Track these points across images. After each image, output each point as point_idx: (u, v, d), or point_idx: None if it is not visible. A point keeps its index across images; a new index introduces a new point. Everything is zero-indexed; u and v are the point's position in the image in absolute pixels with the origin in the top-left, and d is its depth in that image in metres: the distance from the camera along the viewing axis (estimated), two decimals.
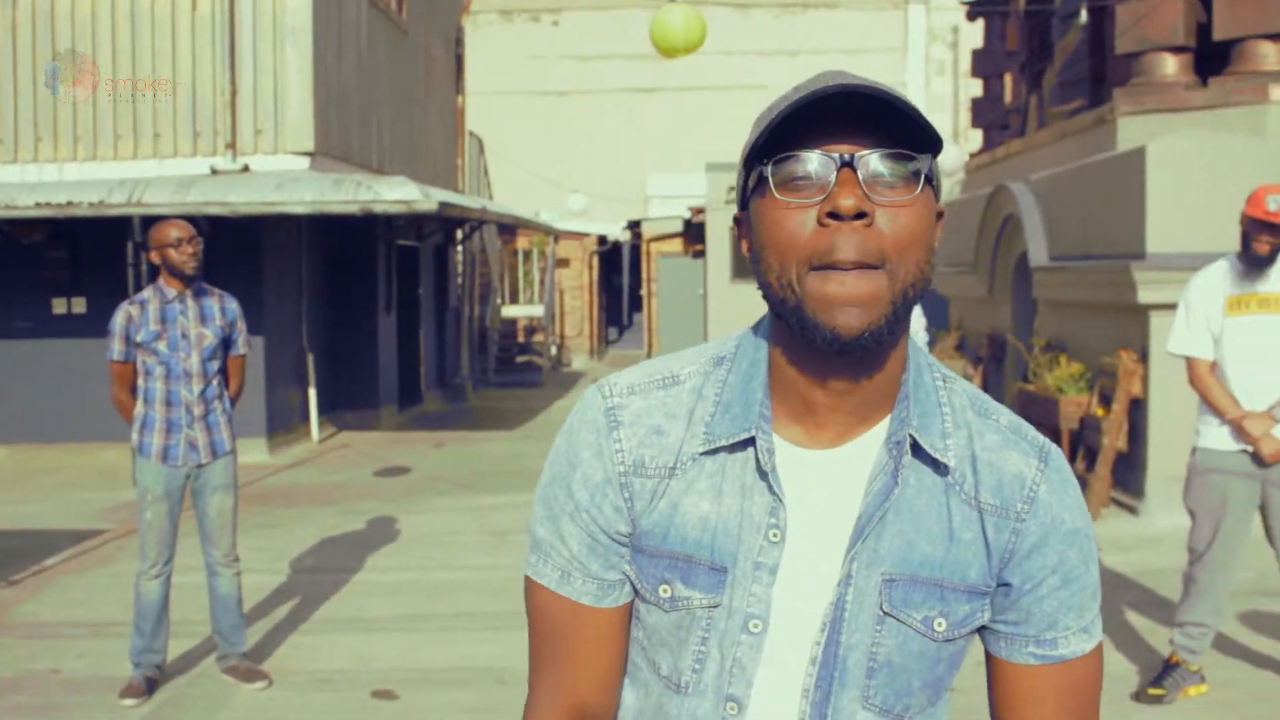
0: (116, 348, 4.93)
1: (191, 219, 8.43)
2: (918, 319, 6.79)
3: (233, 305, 5.12)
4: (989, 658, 1.34)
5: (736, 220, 1.31)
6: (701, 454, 1.28)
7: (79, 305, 11.51)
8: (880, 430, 1.28)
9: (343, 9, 12.07)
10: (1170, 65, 9.24)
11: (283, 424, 11.98)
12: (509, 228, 21.03)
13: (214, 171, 10.84)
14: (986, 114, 15.56)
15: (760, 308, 1.29)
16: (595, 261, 25.36)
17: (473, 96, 21.74)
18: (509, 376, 20.98)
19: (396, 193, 10.23)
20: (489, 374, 20.34)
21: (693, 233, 22.05)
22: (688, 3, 7.48)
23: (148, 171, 10.85)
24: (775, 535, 1.25)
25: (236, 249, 10.87)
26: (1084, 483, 8.13)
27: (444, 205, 10.72)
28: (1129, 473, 8.35)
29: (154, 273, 5.21)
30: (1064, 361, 9.15)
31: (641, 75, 28.57)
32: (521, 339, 23.03)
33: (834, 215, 1.16)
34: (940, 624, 1.26)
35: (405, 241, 14.95)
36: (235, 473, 5.12)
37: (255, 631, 5.77)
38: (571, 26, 29.89)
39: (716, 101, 28.72)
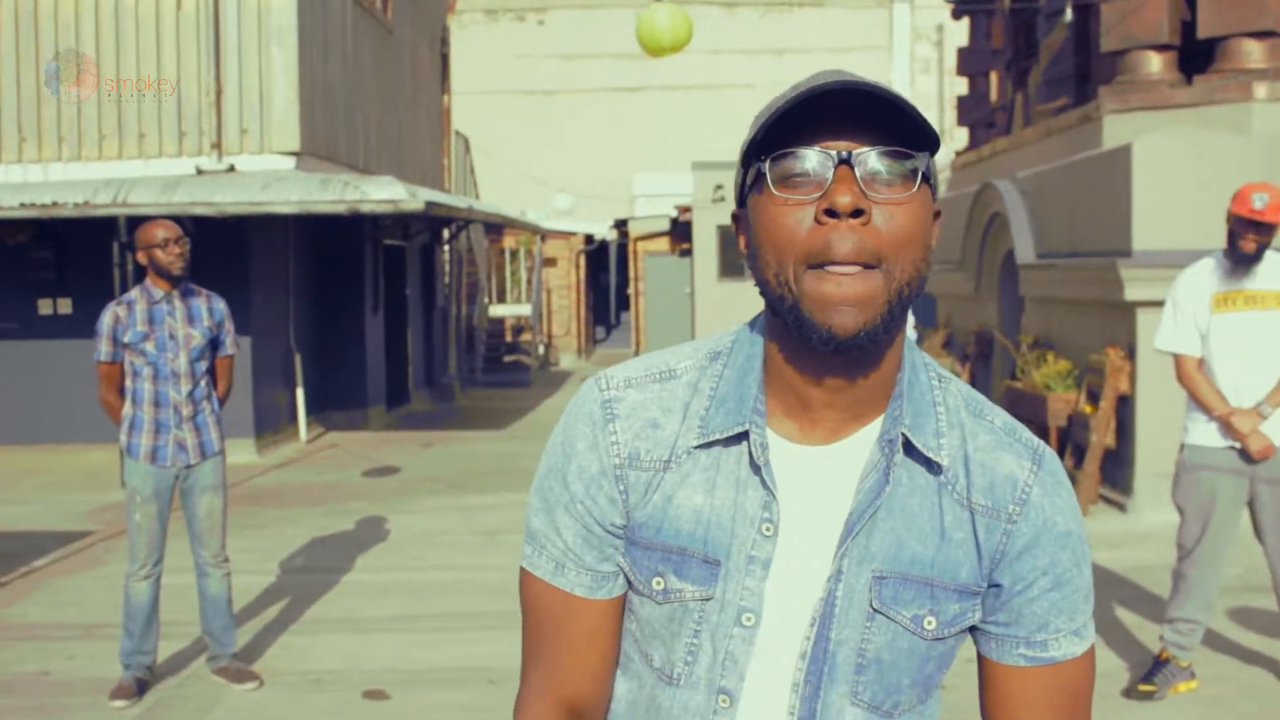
0: (104, 348, 4.91)
1: (178, 219, 8.39)
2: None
3: (220, 305, 5.11)
4: (980, 658, 1.34)
5: (734, 217, 1.32)
6: (696, 447, 1.29)
7: (65, 306, 11.48)
8: (874, 428, 1.28)
9: (328, 8, 12.04)
10: (1155, 63, 9.27)
11: (270, 424, 11.95)
12: (496, 227, 21.02)
13: (200, 171, 10.80)
14: (972, 112, 15.57)
15: (748, 306, 1.30)
16: (582, 260, 25.37)
17: (459, 96, 21.72)
18: (497, 376, 20.96)
19: (383, 192, 10.22)
20: (477, 373, 20.31)
21: (679, 231, 22.06)
22: (674, 2, 7.47)
23: (133, 172, 10.81)
24: (768, 529, 1.26)
25: (223, 249, 10.83)
26: (1072, 479, 8.15)
27: (431, 205, 10.71)
28: (1117, 469, 8.38)
29: (140, 273, 5.20)
30: (1051, 359, 9.17)
31: (627, 74, 28.58)
32: (509, 338, 23.01)
33: (831, 212, 1.16)
34: (930, 622, 1.27)
35: (392, 241, 14.93)
36: (224, 473, 5.12)
37: (245, 632, 5.76)
38: (557, 26, 29.89)
39: (703, 100, 28.76)
